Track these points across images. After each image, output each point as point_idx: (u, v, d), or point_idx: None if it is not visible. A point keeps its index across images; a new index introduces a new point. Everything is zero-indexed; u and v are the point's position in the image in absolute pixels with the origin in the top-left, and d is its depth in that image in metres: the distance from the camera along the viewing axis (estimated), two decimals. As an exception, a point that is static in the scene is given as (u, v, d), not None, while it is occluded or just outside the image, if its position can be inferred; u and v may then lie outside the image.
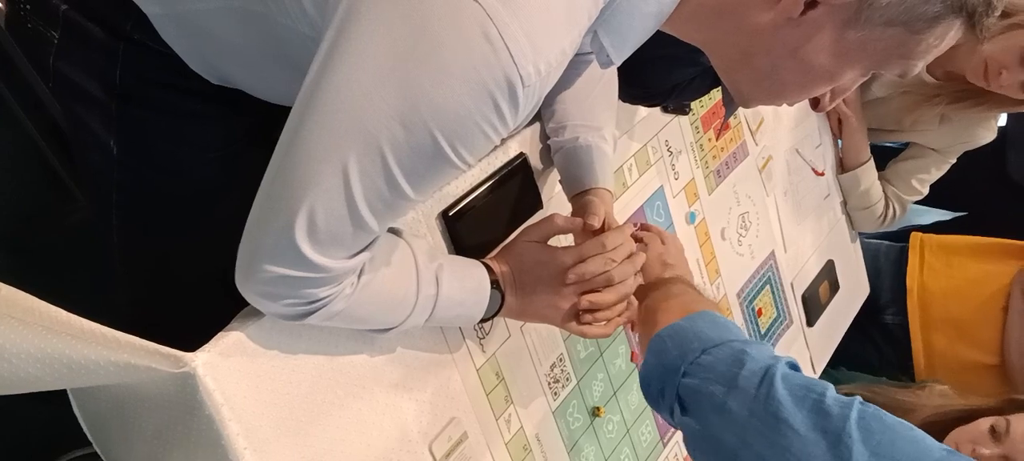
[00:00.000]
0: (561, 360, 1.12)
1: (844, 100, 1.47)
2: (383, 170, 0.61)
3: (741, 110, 1.46)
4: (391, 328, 0.82)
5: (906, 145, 1.85)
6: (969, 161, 1.80)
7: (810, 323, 1.70)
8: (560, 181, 1.04)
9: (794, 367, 0.74)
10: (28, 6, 0.84)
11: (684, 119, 1.33)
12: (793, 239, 1.64)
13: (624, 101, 1.13)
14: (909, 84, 1.70)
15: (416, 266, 0.80)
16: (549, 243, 0.94)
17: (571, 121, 1.02)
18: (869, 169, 1.78)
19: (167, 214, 0.90)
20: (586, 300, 0.91)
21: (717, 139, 1.41)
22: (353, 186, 0.62)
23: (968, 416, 1.47)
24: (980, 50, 1.51)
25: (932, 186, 1.84)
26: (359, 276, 0.73)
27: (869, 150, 1.78)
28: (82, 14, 0.82)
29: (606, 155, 1.01)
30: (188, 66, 0.82)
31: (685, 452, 1.34)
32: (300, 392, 0.80)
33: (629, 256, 0.93)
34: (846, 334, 1.84)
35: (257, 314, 0.76)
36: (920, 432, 0.69)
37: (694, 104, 1.33)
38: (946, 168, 1.81)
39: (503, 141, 1.01)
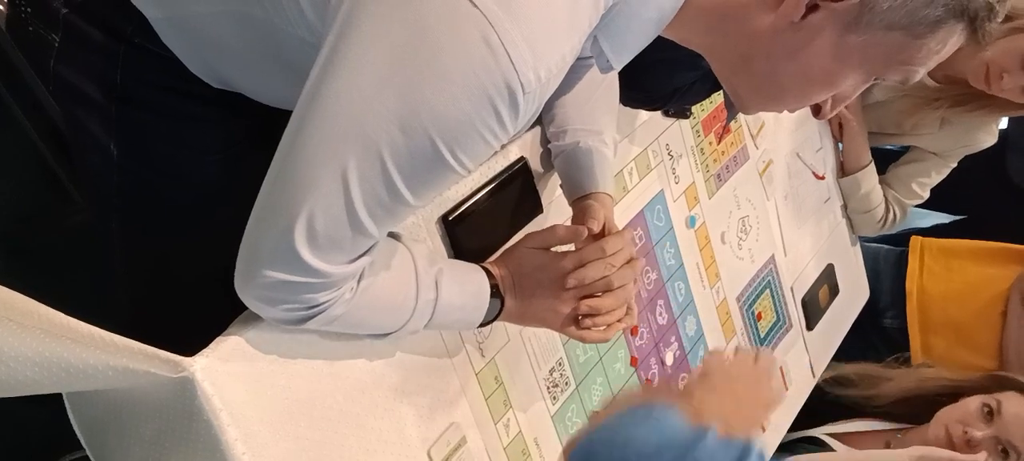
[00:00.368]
0: (560, 364, 1.12)
1: (845, 104, 1.47)
2: (383, 175, 0.61)
3: (742, 115, 1.46)
4: (390, 333, 0.82)
5: (907, 149, 1.85)
6: (969, 164, 1.80)
7: (810, 327, 1.69)
8: (560, 185, 1.04)
9: None
10: (29, 9, 0.84)
11: (685, 123, 1.33)
12: (793, 243, 1.64)
13: (625, 105, 1.13)
14: (910, 87, 1.70)
15: (416, 271, 0.80)
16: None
17: (572, 125, 1.01)
18: (869, 173, 1.78)
19: (166, 217, 0.90)
20: (585, 305, 0.91)
21: (718, 143, 1.41)
22: (352, 191, 0.62)
23: (952, 392, 1.48)
24: (981, 54, 1.51)
25: (932, 189, 1.84)
26: (358, 281, 0.73)
27: (870, 154, 1.78)
28: (82, 17, 0.82)
29: (607, 159, 1.01)
30: (188, 69, 0.82)
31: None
32: (299, 397, 0.80)
33: (628, 261, 0.93)
34: (845, 337, 1.84)
35: (256, 318, 0.76)
36: None
37: (695, 108, 1.33)
38: (947, 172, 1.81)
39: (503, 146, 1.00)
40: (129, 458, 0.82)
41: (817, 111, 0.77)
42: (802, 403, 1.67)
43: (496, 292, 0.89)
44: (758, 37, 0.69)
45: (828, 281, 1.75)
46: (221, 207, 0.81)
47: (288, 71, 0.74)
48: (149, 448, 0.79)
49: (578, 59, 0.67)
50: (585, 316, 0.92)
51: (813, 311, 1.69)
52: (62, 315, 0.68)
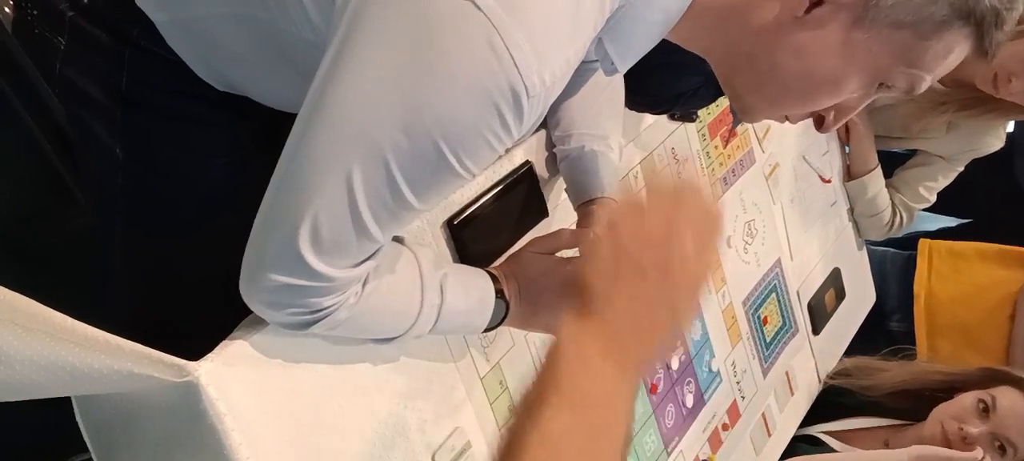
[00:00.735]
0: (565, 368, 1.11)
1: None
2: (387, 179, 0.61)
3: (748, 118, 1.46)
4: (395, 337, 0.81)
5: (913, 152, 1.84)
6: (976, 168, 1.79)
7: (816, 331, 1.69)
8: (565, 190, 1.04)
9: None
10: (35, 12, 0.85)
11: (690, 126, 1.33)
12: (799, 247, 1.63)
13: (630, 109, 1.12)
14: (917, 91, 1.70)
15: (421, 275, 0.80)
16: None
17: (577, 129, 1.01)
18: (876, 176, 1.77)
19: (171, 220, 0.90)
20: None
21: (724, 146, 1.41)
22: (357, 195, 0.62)
23: (946, 387, 1.47)
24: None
25: (938, 192, 1.83)
26: (363, 285, 0.73)
27: (876, 157, 1.77)
28: (88, 20, 0.82)
29: (612, 164, 1.01)
30: (193, 72, 0.82)
31: (688, 460, 1.34)
32: (303, 401, 0.80)
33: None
34: (851, 341, 1.83)
35: (261, 323, 0.76)
36: None
37: (701, 111, 1.32)
38: (954, 176, 1.80)
39: (508, 151, 1.00)
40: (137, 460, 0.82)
41: (820, 123, 0.76)
42: (808, 408, 1.66)
43: (501, 296, 0.88)
44: (762, 33, 0.68)
45: (834, 285, 1.75)
46: (226, 211, 0.81)
47: (293, 74, 0.74)
48: (155, 451, 0.79)
49: (583, 63, 0.67)
50: None
51: (819, 315, 1.69)
52: (66, 318, 0.68)
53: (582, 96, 1.01)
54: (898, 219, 1.83)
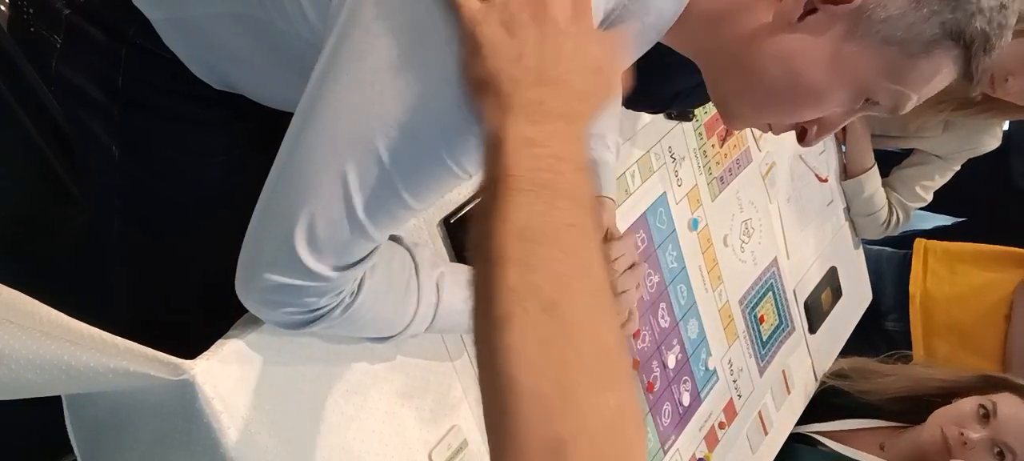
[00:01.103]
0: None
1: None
2: (382, 178, 0.61)
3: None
4: (391, 336, 0.81)
5: (910, 151, 1.85)
6: (971, 166, 1.79)
7: (812, 330, 1.69)
8: (562, 188, 1.04)
9: None
10: (31, 10, 0.84)
11: (687, 125, 1.33)
12: (796, 246, 1.64)
13: (627, 108, 1.13)
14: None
15: (417, 274, 0.80)
16: None
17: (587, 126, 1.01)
18: (873, 176, 1.77)
19: (168, 219, 0.90)
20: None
21: (721, 146, 1.41)
22: (352, 194, 0.62)
23: (945, 393, 1.48)
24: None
25: (936, 193, 1.83)
26: (359, 284, 0.73)
27: (873, 156, 1.78)
28: (85, 18, 0.82)
29: (609, 163, 1.01)
30: (190, 71, 0.82)
31: (685, 459, 1.34)
32: (299, 400, 0.80)
33: (631, 266, 0.93)
34: (848, 340, 1.83)
35: (256, 322, 0.76)
36: None
37: (698, 111, 1.33)
38: (950, 175, 1.80)
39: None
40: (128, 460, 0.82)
41: (802, 136, 0.76)
42: (804, 407, 1.67)
43: (498, 295, 0.88)
44: (754, 37, 0.68)
45: (831, 284, 1.75)
46: (223, 210, 0.81)
47: (290, 72, 0.74)
48: (148, 450, 0.79)
49: None
50: None
51: (816, 314, 1.69)
52: (62, 316, 0.68)
53: (579, 95, 1.01)
54: (894, 218, 1.83)
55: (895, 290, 1.93)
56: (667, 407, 1.30)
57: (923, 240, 1.95)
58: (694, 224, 1.35)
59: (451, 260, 0.95)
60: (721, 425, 1.42)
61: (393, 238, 0.81)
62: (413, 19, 0.58)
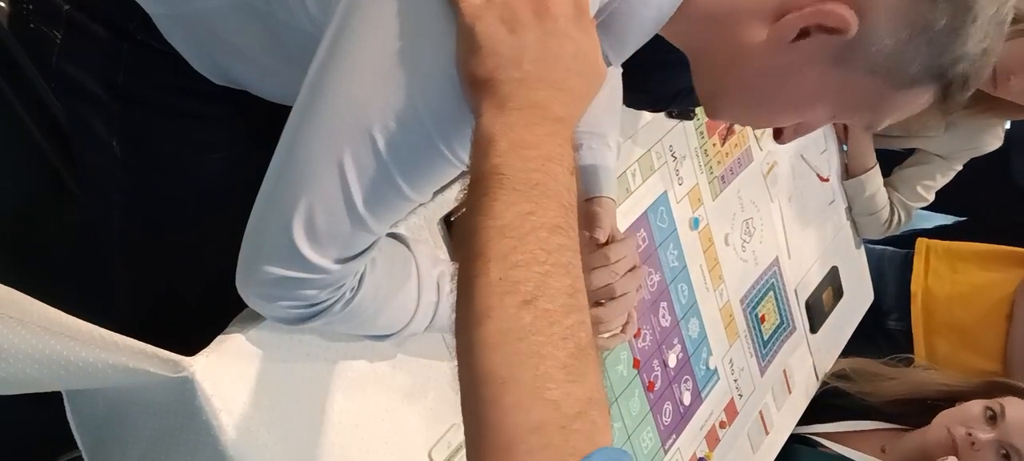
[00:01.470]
0: (562, 366, 1.11)
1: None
2: (380, 168, 0.61)
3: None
4: (391, 334, 0.81)
5: (911, 151, 1.84)
6: (973, 166, 1.79)
7: (813, 330, 1.69)
8: (564, 187, 1.04)
9: None
10: (31, 5, 0.84)
11: (689, 124, 1.33)
12: (797, 245, 1.63)
13: (628, 106, 1.12)
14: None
15: (417, 272, 0.80)
16: None
17: (575, 128, 1.01)
18: (874, 175, 1.77)
19: (168, 215, 0.90)
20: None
21: (722, 145, 1.40)
22: (351, 184, 0.62)
23: (948, 396, 1.48)
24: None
25: (937, 193, 1.83)
26: (360, 280, 0.73)
27: (874, 156, 1.77)
28: (85, 14, 0.82)
29: (610, 163, 1.01)
30: (191, 66, 0.82)
31: (685, 458, 1.34)
32: (299, 397, 0.80)
33: (632, 269, 0.93)
34: (849, 340, 1.83)
35: (256, 318, 0.76)
36: None
37: (699, 109, 1.32)
38: (952, 175, 1.80)
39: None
40: (128, 457, 0.81)
41: (778, 134, 0.77)
42: (805, 406, 1.66)
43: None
44: (747, 49, 0.69)
45: (832, 284, 1.75)
46: (223, 205, 0.81)
47: (291, 65, 0.74)
48: (148, 447, 0.79)
49: None
50: None
51: (817, 314, 1.69)
52: (62, 313, 0.68)
53: (580, 93, 1.01)
54: (896, 218, 1.83)
55: (897, 289, 1.93)
56: (668, 406, 1.30)
57: (925, 239, 1.95)
58: (695, 223, 1.34)
59: (451, 258, 0.94)
60: (722, 424, 1.42)
61: (394, 235, 0.81)
62: (411, 9, 0.58)
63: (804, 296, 1.66)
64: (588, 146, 1.00)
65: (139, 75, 0.83)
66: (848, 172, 1.79)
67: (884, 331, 1.93)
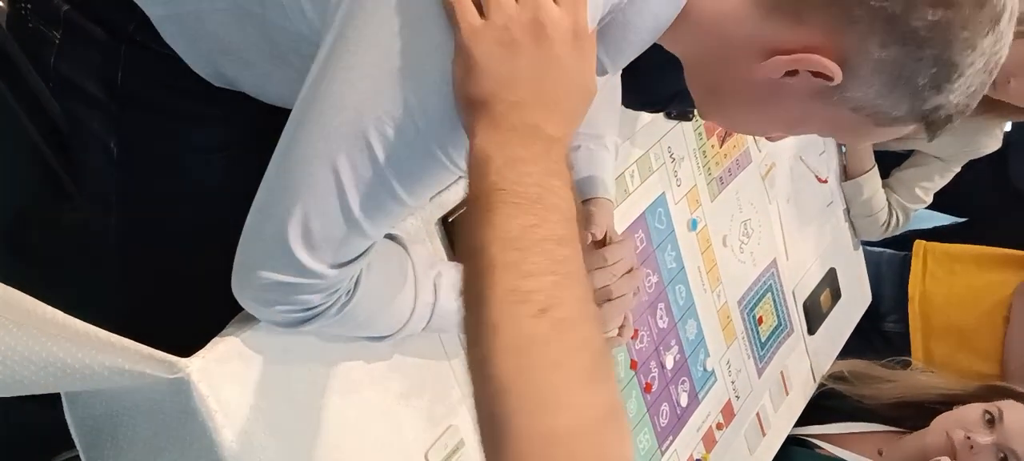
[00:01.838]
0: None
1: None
2: (377, 174, 0.62)
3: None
4: (388, 335, 0.81)
5: (910, 152, 1.84)
6: (971, 167, 1.79)
7: (811, 331, 1.69)
8: (561, 188, 1.04)
9: None
10: (29, 6, 0.84)
11: (687, 125, 1.33)
12: (795, 247, 1.63)
13: (626, 107, 1.12)
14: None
15: (414, 273, 0.80)
16: None
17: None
18: (873, 177, 1.77)
19: (166, 217, 0.89)
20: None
21: (720, 146, 1.40)
22: (347, 190, 0.62)
23: (946, 400, 1.48)
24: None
25: (935, 195, 1.83)
26: (355, 283, 0.73)
27: (873, 158, 1.77)
28: (83, 14, 0.82)
29: (608, 164, 1.01)
30: (189, 68, 0.82)
31: (682, 459, 1.34)
32: (295, 399, 0.80)
33: (629, 270, 0.93)
34: (847, 342, 1.83)
35: (252, 320, 0.76)
36: None
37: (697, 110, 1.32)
38: (950, 176, 1.80)
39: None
40: (125, 458, 0.81)
41: (768, 136, 0.81)
42: (803, 408, 1.66)
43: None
44: (736, 77, 0.70)
45: (830, 285, 1.75)
46: (221, 207, 0.81)
47: (288, 69, 0.74)
48: (145, 448, 0.79)
49: None
50: None
51: (815, 315, 1.69)
52: (58, 313, 0.68)
53: (578, 95, 1.01)
54: (894, 220, 1.83)
55: (894, 292, 1.93)
56: (665, 408, 1.30)
57: (922, 242, 1.95)
58: (693, 224, 1.34)
59: (449, 259, 0.95)
60: (719, 426, 1.42)
61: (390, 237, 0.81)
62: (410, 17, 0.58)
63: (802, 297, 1.66)
64: (586, 147, 1.00)
65: (137, 76, 0.83)
66: (846, 174, 1.79)
67: (881, 333, 1.94)
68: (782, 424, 1.60)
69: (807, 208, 1.68)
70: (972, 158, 1.76)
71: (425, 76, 0.58)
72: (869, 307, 1.92)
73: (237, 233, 0.69)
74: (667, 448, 1.31)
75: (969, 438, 1.36)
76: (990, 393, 1.45)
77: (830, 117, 0.70)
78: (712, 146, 1.38)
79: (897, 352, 1.88)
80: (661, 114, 1.26)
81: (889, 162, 1.86)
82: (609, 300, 0.91)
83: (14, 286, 0.68)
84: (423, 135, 0.59)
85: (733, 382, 1.46)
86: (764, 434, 1.55)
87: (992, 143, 1.73)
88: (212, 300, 0.75)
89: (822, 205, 1.74)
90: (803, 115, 0.71)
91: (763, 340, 1.54)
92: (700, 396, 1.37)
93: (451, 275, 0.84)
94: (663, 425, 1.29)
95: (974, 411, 1.40)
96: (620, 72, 1.01)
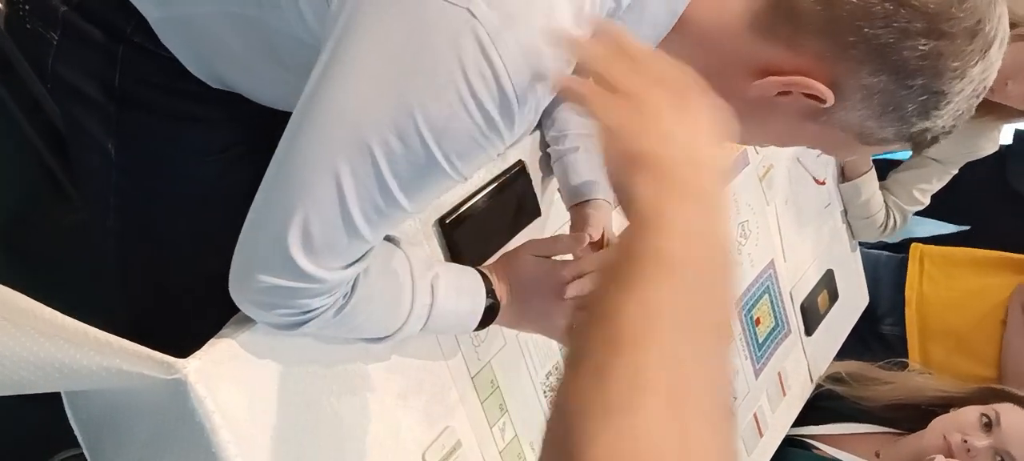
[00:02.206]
0: (557, 368, 1.12)
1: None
2: (377, 180, 0.61)
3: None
4: (385, 337, 0.81)
5: (908, 154, 1.85)
6: (972, 174, 1.79)
7: (808, 332, 1.69)
8: (558, 190, 1.04)
9: None
10: (27, 7, 0.84)
11: (685, 127, 1.33)
12: (793, 248, 1.64)
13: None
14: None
15: (412, 275, 0.80)
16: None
17: (572, 130, 1.01)
18: (870, 179, 1.77)
19: (164, 218, 0.90)
20: (583, 316, 0.91)
21: (718, 148, 1.40)
22: (347, 196, 0.62)
23: (943, 402, 1.48)
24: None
25: (933, 197, 1.83)
26: (353, 286, 0.73)
27: (871, 160, 1.77)
28: (82, 16, 0.82)
29: (606, 166, 1.01)
30: (187, 70, 0.82)
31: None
32: (292, 400, 0.80)
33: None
34: (844, 343, 1.83)
35: (250, 321, 0.76)
36: None
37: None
38: (948, 178, 1.80)
39: (500, 154, 1.00)
40: (124, 458, 0.82)
41: None
42: (800, 409, 1.67)
43: (492, 297, 0.89)
44: (729, 91, 0.70)
45: (827, 287, 1.75)
46: (218, 209, 0.81)
47: (287, 72, 0.74)
48: (143, 449, 0.79)
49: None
50: None
51: (812, 317, 1.69)
52: (56, 314, 0.68)
53: (577, 96, 1.01)
54: (891, 221, 1.83)
55: (892, 294, 1.93)
56: (662, 409, 1.30)
57: (919, 244, 1.95)
58: (691, 226, 1.34)
59: (446, 261, 0.95)
60: (716, 427, 1.42)
61: (387, 238, 0.81)
62: (413, 24, 0.58)
63: (799, 299, 1.66)
64: (584, 149, 1.00)
65: (135, 77, 0.83)
66: (844, 175, 1.79)
67: (879, 335, 1.94)
68: (779, 425, 1.60)
69: (805, 210, 1.68)
70: (970, 160, 1.76)
71: (428, 83, 0.58)
72: (866, 309, 1.92)
73: (235, 235, 0.69)
74: (664, 449, 1.31)
75: (966, 441, 1.36)
76: (987, 396, 1.45)
77: (818, 133, 0.71)
78: (710, 148, 1.38)
79: (894, 354, 1.88)
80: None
81: (887, 164, 1.86)
82: None
83: (12, 287, 0.68)
84: (426, 142, 0.59)
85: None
86: (761, 435, 1.55)
87: (990, 146, 1.73)
88: (210, 301, 0.75)
89: (820, 207, 1.74)
90: (792, 131, 0.72)
91: (760, 341, 1.55)
92: (697, 397, 1.37)
93: (448, 277, 0.84)
94: (660, 426, 1.29)
95: (971, 414, 1.40)
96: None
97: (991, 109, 1.62)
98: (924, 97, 0.65)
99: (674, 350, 0.48)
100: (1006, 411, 1.38)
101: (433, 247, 0.94)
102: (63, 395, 0.81)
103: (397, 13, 0.58)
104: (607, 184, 1.01)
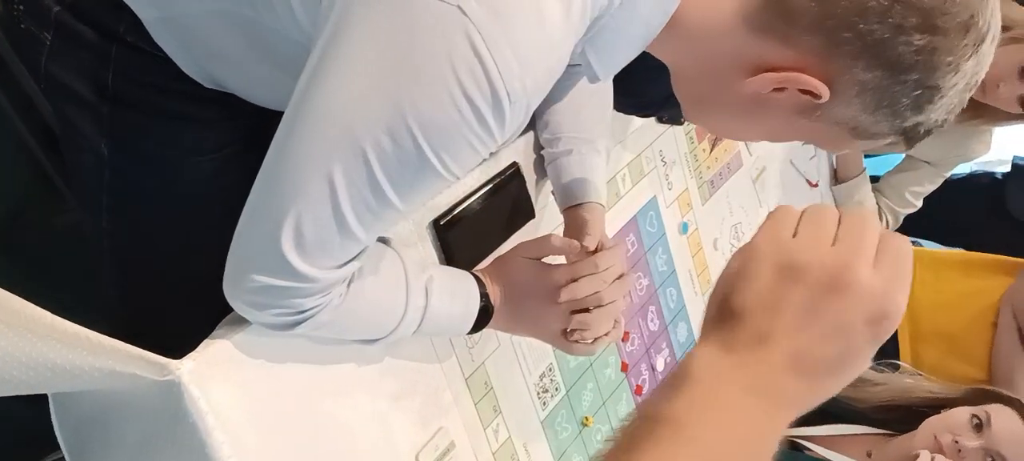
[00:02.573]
0: (550, 370, 1.12)
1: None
2: (370, 180, 0.61)
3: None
4: (379, 338, 0.81)
5: (900, 157, 1.85)
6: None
7: (801, 334, 1.69)
8: (552, 192, 1.04)
9: None
10: (21, 7, 0.84)
11: (678, 129, 1.33)
12: (786, 250, 1.64)
13: (618, 111, 1.13)
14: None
15: (405, 277, 0.80)
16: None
17: (565, 133, 1.01)
18: (863, 181, 1.78)
19: (157, 218, 0.89)
20: (576, 319, 0.91)
21: (711, 150, 1.41)
22: (340, 196, 0.62)
23: (934, 403, 1.48)
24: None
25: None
26: (347, 287, 0.73)
27: (863, 162, 1.78)
28: (74, 16, 0.82)
29: (599, 169, 1.01)
30: (180, 69, 0.82)
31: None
32: (286, 401, 0.80)
33: (619, 276, 0.94)
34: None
35: (244, 322, 0.76)
36: None
37: (689, 115, 1.33)
38: (940, 181, 1.81)
39: (492, 154, 1.00)
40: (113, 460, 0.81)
41: None
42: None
43: (486, 300, 0.89)
44: (723, 88, 0.71)
45: (820, 289, 1.75)
46: (212, 209, 0.81)
47: (279, 72, 0.74)
48: (134, 451, 0.79)
49: (570, 65, 0.67)
50: (574, 330, 0.92)
51: (805, 319, 1.69)
52: (49, 314, 0.68)
53: (571, 99, 1.01)
54: (884, 224, 1.84)
55: (884, 296, 1.93)
56: (655, 410, 1.30)
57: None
58: (684, 228, 1.35)
59: (440, 262, 0.95)
60: (709, 428, 1.42)
61: (381, 240, 0.81)
62: (404, 23, 0.58)
63: (792, 301, 1.66)
64: (577, 151, 1.00)
65: (128, 77, 0.83)
66: (837, 178, 1.80)
67: (871, 337, 1.94)
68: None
69: (798, 212, 1.68)
70: (962, 162, 1.77)
71: (421, 83, 0.58)
72: (859, 311, 1.92)
73: (228, 235, 0.69)
74: (657, 451, 1.31)
75: (957, 442, 1.37)
76: (978, 397, 1.46)
77: (811, 128, 0.72)
78: (703, 150, 1.39)
79: (886, 356, 1.89)
80: (652, 118, 1.26)
81: (880, 167, 1.87)
82: (600, 306, 0.91)
83: (4, 286, 0.68)
84: (419, 143, 0.59)
85: (723, 385, 1.46)
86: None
87: (981, 148, 1.74)
88: (203, 301, 0.75)
89: (812, 209, 1.74)
90: (785, 127, 0.73)
91: (753, 343, 1.55)
92: (690, 399, 1.38)
93: (442, 280, 0.84)
94: (653, 428, 1.30)
95: (962, 415, 1.41)
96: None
97: (983, 111, 1.63)
98: (918, 92, 0.65)
99: None
100: (997, 412, 1.39)
101: (427, 249, 0.94)
102: (49, 398, 0.81)
103: (388, 11, 0.58)
104: (601, 186, 1.01)
